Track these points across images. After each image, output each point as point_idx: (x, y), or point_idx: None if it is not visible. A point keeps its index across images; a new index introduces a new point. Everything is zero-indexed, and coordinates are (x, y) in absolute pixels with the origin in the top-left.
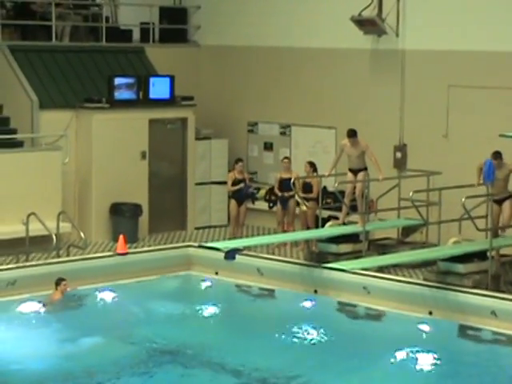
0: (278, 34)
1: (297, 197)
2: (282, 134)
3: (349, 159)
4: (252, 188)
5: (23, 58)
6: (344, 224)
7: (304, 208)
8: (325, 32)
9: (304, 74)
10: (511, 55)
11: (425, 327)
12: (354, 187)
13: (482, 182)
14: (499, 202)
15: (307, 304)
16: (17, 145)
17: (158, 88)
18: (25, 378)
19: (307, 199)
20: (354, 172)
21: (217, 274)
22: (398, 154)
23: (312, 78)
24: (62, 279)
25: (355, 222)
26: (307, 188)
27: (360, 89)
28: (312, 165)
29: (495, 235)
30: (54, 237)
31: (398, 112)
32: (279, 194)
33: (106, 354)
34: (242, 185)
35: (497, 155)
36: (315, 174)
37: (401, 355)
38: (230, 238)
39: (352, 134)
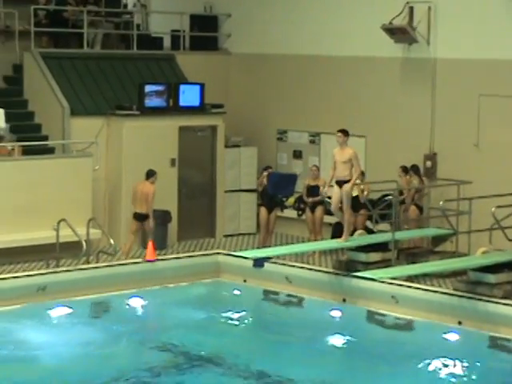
0: (309, 42)
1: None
2: (312, 142)
3: (336, 167)
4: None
5: (55, 65)
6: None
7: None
8: (355, 40)
9: (334, 82)
10: None
11: (454, 337)
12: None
13: None
14: None
15: (336, 313)
16: (48, 151)
17: (188, 95)
18: (57, 381)
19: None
20: (340, 184)
21: (245, 281)
22: (428, 163)
23: (342, 86)
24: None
25: (385, 231)
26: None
27: (390, 97)
28: (362, 174)
29: None
30: (84, 243)
31: (428, 120)
32: (309, 200)
33: (135, 360)
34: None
35: None
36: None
37: (430, 365)
38: (258, 247)
39: (344, 132)
